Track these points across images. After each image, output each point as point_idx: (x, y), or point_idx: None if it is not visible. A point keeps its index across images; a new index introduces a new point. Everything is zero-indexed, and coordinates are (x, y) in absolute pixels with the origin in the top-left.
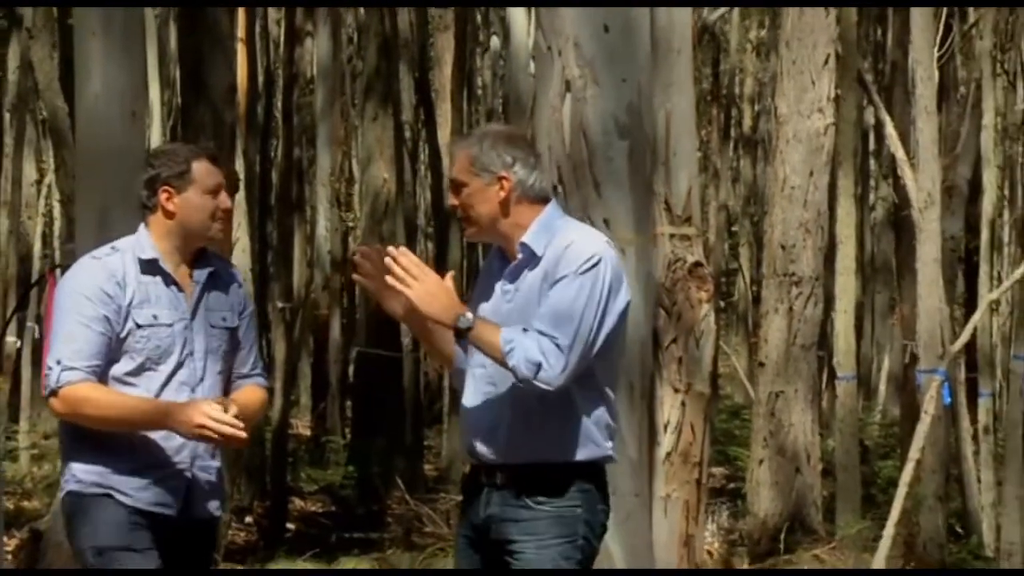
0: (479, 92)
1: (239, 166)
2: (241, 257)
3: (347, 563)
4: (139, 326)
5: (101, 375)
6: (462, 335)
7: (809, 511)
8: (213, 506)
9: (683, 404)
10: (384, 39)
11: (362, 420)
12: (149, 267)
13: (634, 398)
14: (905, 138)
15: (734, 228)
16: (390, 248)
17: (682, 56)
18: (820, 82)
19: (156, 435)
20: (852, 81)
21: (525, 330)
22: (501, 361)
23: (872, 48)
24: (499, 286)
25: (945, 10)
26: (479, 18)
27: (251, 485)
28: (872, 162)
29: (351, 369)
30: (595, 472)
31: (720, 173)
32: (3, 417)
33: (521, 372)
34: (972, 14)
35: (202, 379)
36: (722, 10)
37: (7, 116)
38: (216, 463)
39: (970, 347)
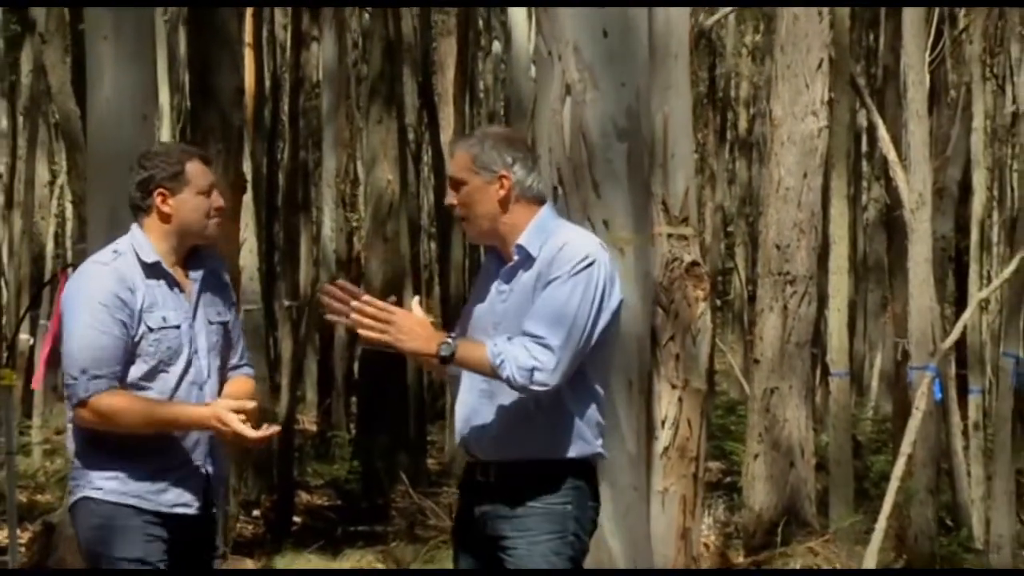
0: (481, 96)
1: (247, 168)
2: (248, 257)
3: (352, 555)
4: (151, 329)
5: (121, 380)
6: (447, 362)
7: (803, 504)
8: (220, 496)
9: (680, 400)
10: (388, 44)
11: (367, 416)
12: (153, 270)
13: (632, 394)
14: (897, 140)
15: (730, 228)
16: (354, 303)
17: (679, 60)
18: (814, 86)
19: (174, 436)
20: (845, 85)
21: (509, 338)
22: (493, 375)
23: (865, 53)
24: (495, 286)
25: (936, 15)
26: (481, 23)
27: (258, 479)
28: (865, 164)
29: (356, 366)
30: (585, 469)
31: (716, 174)
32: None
33: (517, 382)
34: (962, 19)
35: (208, 376)
36: (718, 15)
37: (21, 119)
38: (225, 459)
39: (960, 344)
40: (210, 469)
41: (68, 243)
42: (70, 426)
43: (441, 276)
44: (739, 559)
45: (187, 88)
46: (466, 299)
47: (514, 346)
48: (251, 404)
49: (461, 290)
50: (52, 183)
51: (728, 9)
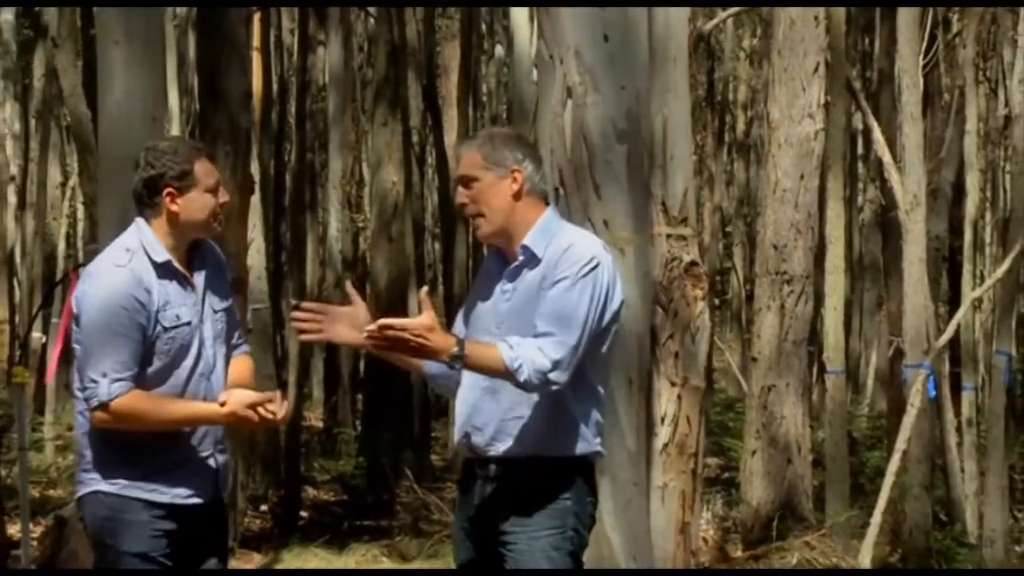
0: (484, 99)
1: (254, 170)
2: (256, 257)
3: (357, 549)
4: (166, 329)
5: (139, 381)
6: (457, 362)
7: (800, 500)
8: (226, 486)
9: (679, 397)
10: (393, 48)
11: (372, 413)
12: (164, 270)
13: (632, 391)
14: (892, 143)
15: (728, 229)
16: (368, 327)
17: (678, 64)
18: (810, 89)
19: (185, 431)
20: (841, 88)
21: (511, 345)
22: (506, 377)
23: (860, 57)
24: (498, 286)
25: (930, 20)
26: (484, 28)
27: (266, 475)
28: (860, 166)
29: (362, 364)
30: (584, 466)
31: (715, 176)
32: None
33: (533, 383)
34: (956, 24)
35: (214, 366)
36: (717, 19)
37: (33, 122)
38: (229, 448)
39: (954, 342)
40: (219, 459)
41: (79, 243)
42: (80, 419)
43: (445, 275)
44: (737, 553)
45: (196, 91)
46: (449, 305)
47: (528, 348)
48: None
49: (464, 289)
50: (64, 184)
51: (726, 14)
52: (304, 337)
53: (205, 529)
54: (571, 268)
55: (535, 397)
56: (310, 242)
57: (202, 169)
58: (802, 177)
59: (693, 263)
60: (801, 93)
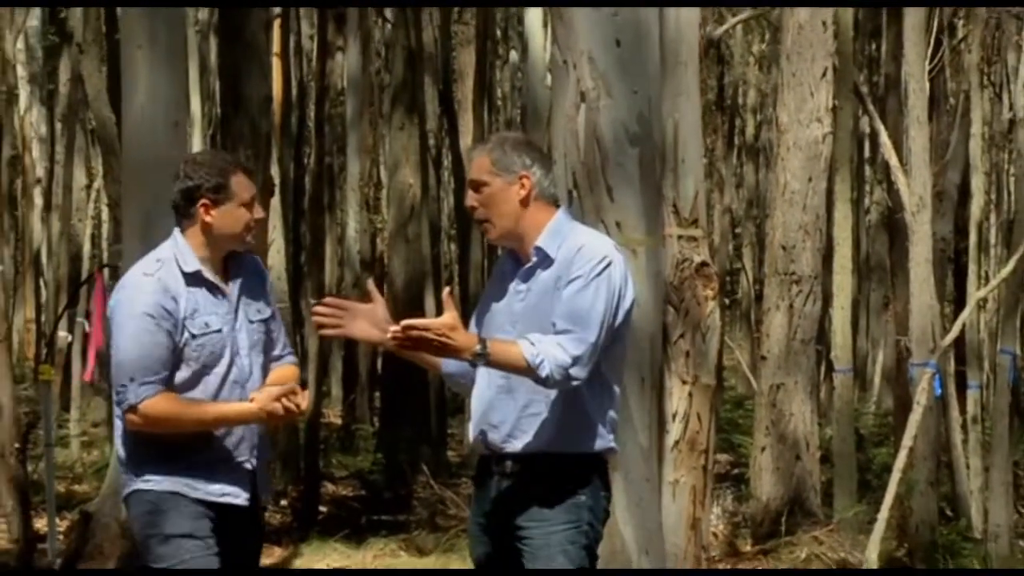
0: (499, 103)
1: (275, 172)
2: (276, 257)
3: (375, 544)
4: (194, 336)
5: (168, 385)
6: (481, 360)
7: (808, 495)
8: (265, 492)
9: (690, 395)
10: (410, 53)
11: (390, 410)
12: (193, 279)
13: (644, 389)
14: (898, 146)
15: (738, 230)
16: (393, 328)
17: (689, 69)
18: (819, 93)
19: (219, 433)
20: (848, 92)
21: (533, 343)
22: (528, 374)
23: (867, 62)
24: (512, 286)
25: (936, 26)
26: (499, 33)
27: (286, 471)
28: (867, 168)
29: (379, 363)
30: (599, 463)
31: (725, 179)
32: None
33: (553, 380)
34: (961, 30)
35: (250, 374)
36: (727, 25)
37: (59, 125)
38: (267, 453)
39: (959, 342)
40: (255, 463)
41: (104, 244)
42: (117, 423)
43: (461, 276)
44: (747, 547)
45: (218, 96)
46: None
47: (548, 345)
48: (290, 382)
49: (480, 289)
50: (89, 187)
51: (736, 19)
52: (324, 332)
53: (239, 530)
54: (584, 267)
55: (552, 395)
56: (329, 243)
57: (238, 183)
58: (810, 180)
59: (704, 264)
60: (809, 97)
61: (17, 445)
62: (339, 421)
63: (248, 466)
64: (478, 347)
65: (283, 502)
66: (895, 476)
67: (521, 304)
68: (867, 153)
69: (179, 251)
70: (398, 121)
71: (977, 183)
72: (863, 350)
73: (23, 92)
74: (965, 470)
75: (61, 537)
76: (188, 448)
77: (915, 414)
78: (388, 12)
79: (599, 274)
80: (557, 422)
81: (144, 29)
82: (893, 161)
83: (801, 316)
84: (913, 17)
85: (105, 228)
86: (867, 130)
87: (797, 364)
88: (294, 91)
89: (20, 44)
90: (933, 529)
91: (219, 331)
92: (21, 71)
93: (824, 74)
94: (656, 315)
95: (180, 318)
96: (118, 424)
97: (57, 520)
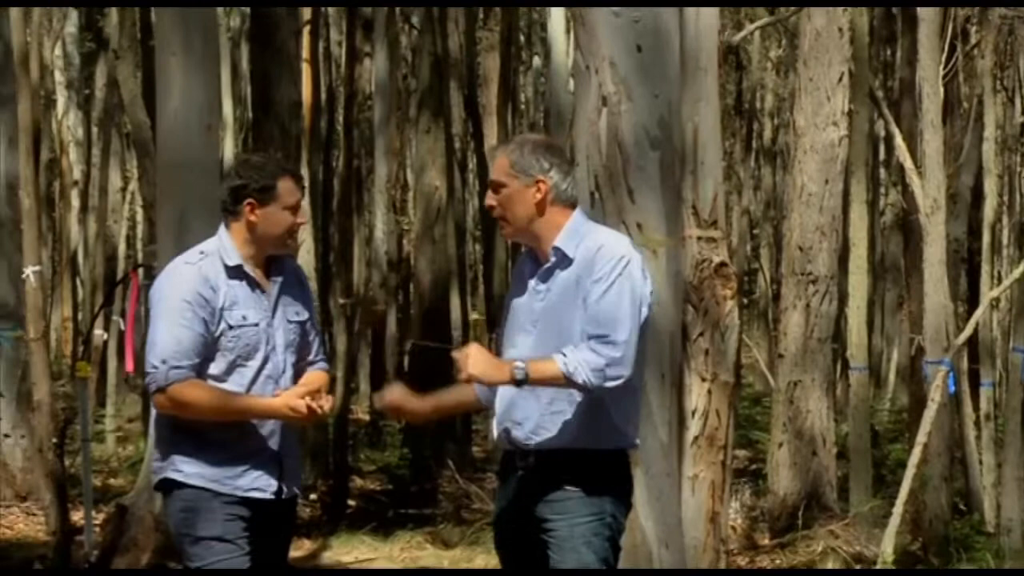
0: (522, 107)
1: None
2: (306, 258)
3: (402, 536)
4: (231, 327)
5: (199, 372)
6: (523, 383)
7: (825, 490)
8: (295, 486)
9: (709, 392)
10: (436, 59)
11: None
12: (235, 272)
13: (665, 386)
14: (913, 149)
15: (755, 231)
16: (454, 354)
17: (708, 74)
18: (835, 98)
19: (251, 425)
20: (864, 97)
21: (565, 353)
22: (568, 385)
23: (883, 67)
24: (531, 286)
25: (950, 32)
26: (522, 39)
27: (315, 465)
28: (882, 171)
29: (406, 360)
30: (621, 458)
31: (743, 181)
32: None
33: (593, 383)
34: (974, 36)
35: (283, 371)
36: (745, 31)
37: (95, 129)
38: (297, 448)
39: (972, 340)
40: (284, 458)
41: (139, 245)
42: (154, 409)
43: (485, 276)
44: (764, 541)
45: (249, 100)
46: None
47: (581, 352)
48: (317, 384)
49: (504, 289)
50: (124, 189)
51: (754, 25)
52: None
53: (269, 522)
54: (605, 268)
55: (575, 393)
56: (357, 243)
57: (285, 187)
58: (827, 182)
59: (722, 264)
60: (826, 101)
61: (55, 440)
62: (367, 417)
63: (277, 461)
64: (518, 372)
65: (312, 496)
66: (910, 471)
67: (541, 304)
68: (882, 156)
69: (223, 246)
70: (424, 125)
71: (990, 185)
72: (878, 348)
73: (61, 97)
74: (978, 466)
75: (97, 529)
76: (219, 441)
77: (929, 411)
78: (415, 19)
79: (620, 273)
80: (580, 419)
81: (178, 36)
82: (908, 164)
83: (817, 315)
84: (928, 24)
85: (140, 229)
86: (882, 133)
87: (814, 362)
88: (323, 96)
89: (58, 50)
90: (947, 523)
91: (256, 325)
92: (59, 76)
93: (840, 79)
94: (676, 314)
95: (218, 307)
96: (154, 409)
97: (93, 513)
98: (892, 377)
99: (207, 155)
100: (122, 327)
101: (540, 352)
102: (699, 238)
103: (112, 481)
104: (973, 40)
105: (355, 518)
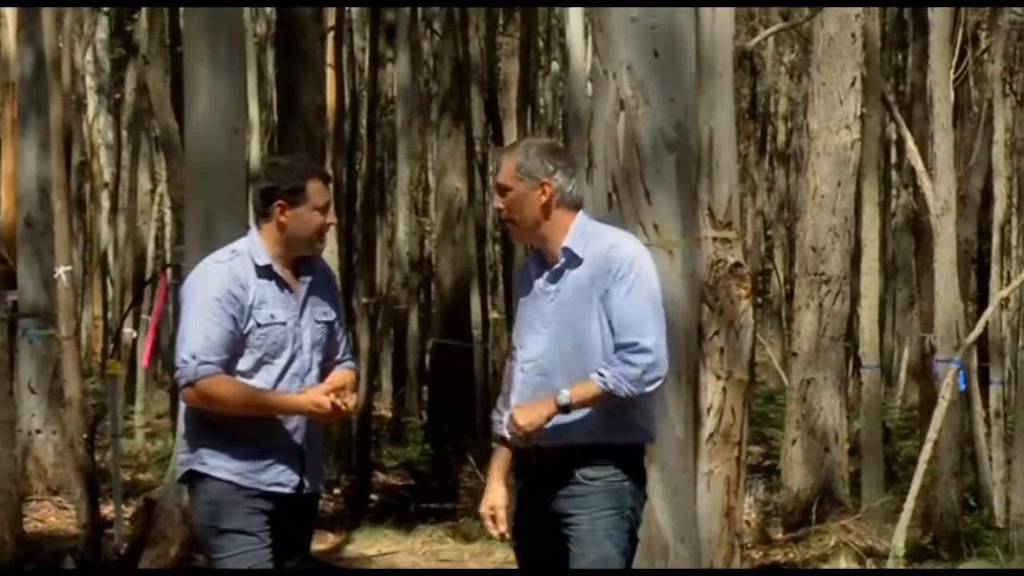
0: (541, 111)
1: None
2: (329, 258)
3: (424, 530)
4: (259, 325)
5: (228, 368)
6: (569, 410)
7: (837, 486)
8: (318, 481)
9: (724, 390)
10: (457, 64)
11: (437, 403)
12: (264, 272)
13: (681, 384)
14: (924, 152)
15: (769, 232)
16: (510, 416)
17: (724, 78)
18: (847, 101)
19: (276, 421)
20: (876, 101)
21: (602, 372)
22: (612, 399)
23: (894, 71)
24: (539, 287)
25: (960, 37)
26: (541, 45)
27: (339, 461)
28: (894, 173)
29: (427, 358)
30: (637, 451)
31: (757, 183)
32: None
33: (635, 392)
34: (984, 41)
35: (309, 369)
36: (760, 37)
37: (125, 133)
38: (321, 445)
39: (982, 339)
40: (308, 453)
41: (167, 245)
42: (183, 403)
43: (505, 276)
44: (778, 535)
45: (275, 104)
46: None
47: (616, 367)
48: (342, 382)
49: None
50: (153, 191)
51: (768, 31)
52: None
53: (292, 515)
54: (622, 269)
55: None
56: (380, 244)
57: (314, 188)
58: (839, 184)
59: (737, 264)
60: (839, 105)
61: (85, 436)
62: (389, 414)
63: (300, 456)
64: (562, 400)
65: (336, 491)
66: (920, 467)
67: (551, 304)
68: (894, 159)
69: (253, 246)
70: (445, 128)
71: (999, 188)
72: (889, 347)
73: (91, 101)
74: (988, 462)
75: (126, 523)
76: (245, 435)
77: (940, 408)
78: (437, 24)
79: (638, 274)
80: (601, 416)
81: (206, 42)
82: (919, 166)
83: (830, 314)
84: (938, 29)
85: (168, 230)
86: (894, 137)
87: (826, 360)
88: (347, 100)
89: (89, 56)
90: (957, 518)
91: (283, 323)
92: (90, 81)
93: (853, 83)
94: (692, 313)
95: (247, 305)
96: (183, 403)
97: (123, 507)
98: (903, 375)
99: (233, 158)
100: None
101: (554, 351)
102: (714, 239)
103: (141, 476)
104: (983, 45)
105: (377, 512)
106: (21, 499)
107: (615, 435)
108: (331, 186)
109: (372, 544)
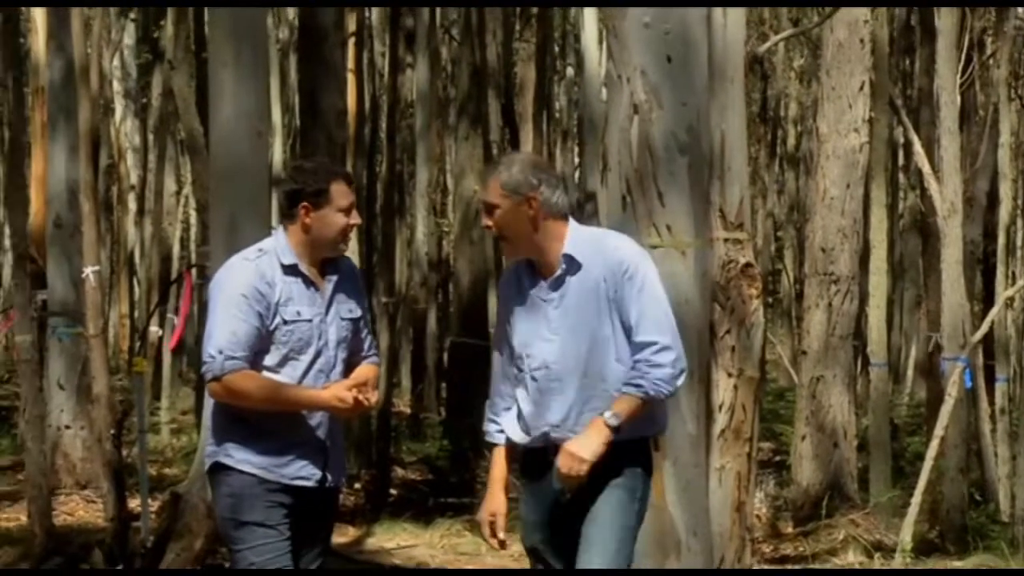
0: (557, 115)
1: None
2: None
3: (442, 524)
4: (285, 322)
5: (253, 363)
6: (621, 430)
7: (846, 481)
8: (340, 476)
9: (735, 387)
10: (475, 69)
11: (455, 400)
12: (290, 270)
13: (693, 382)
14: (931, 155)
15: (779, 234)
16: (566, 455)
17: (735, 83)
18: (856, 105)
19: (300, 416)
20: (884, 105)
21: (636, 384)
22: (650, 402)
23: (902, 76)
24: (535, 295)
25: (967, 43)
26: (557, 50)
27: (359, 456)
28: (901, 176)
29: (445, 356)
30: (650, 445)
31: (768, 186)
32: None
33: (672, 391)
34: (990, 46)
35: (334, 366)
36: (771, 42)
37: (151, 136)
38: (343, 440)
39: (988, 338)
40: (330, 448)
41: (192, 246)
42: (208, 398)
43: None
44: (788, 529)
45: (297, 109)
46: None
47: (646, 373)
48: (365, 378)
49: None
50: (178, 193)
51: (779, 37)
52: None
53: (313, 509)
54: (630, 269)
55: (609, 389)
56: (399, 245)
57: (338, 190)
58: (848, 186)
59: (748, 265)
60: (848, 109)
61: (112, 431)
62: (408, 410)
63: (323, 451)
64: (612, 421)
65: (356, 485)
66: (927, 463)
67: (556, 311)
68: (901, 161)
69: (279, 245)
70: (463, 132)
71: (1005, 190)
72: (897, 345)
73: (118, 106)
74: (993, 458)
75: (153, 516)
76: (269, 430)
77: (946, 405)
78: (455, 30)
79: (645, 274)
80: None
81: (230, 48)
82: (926, 169)
83: (839, 314)
84: (945, 35)
85: (193, 231)
86: (901, 140)
87: (835, 358)
88: (367, 104)
89: (116, 61)
90: (963, 513)
91: (309, 320)
92: (117, 86)
93: (862, 88)
94: (704, 312)
95: (273, 302)
96: (209, 398)
97: (149, 501)
98: (910, 373)
99: (257, 161)
100: (175, 324)
101: (567, 356)
102: (726, 240)
103: (167, 470)
104: (989, 51)
105: (397, 506)
106: (50, 493)
107: (634, 430)
108: (354, 187)
109: (391, 537)
